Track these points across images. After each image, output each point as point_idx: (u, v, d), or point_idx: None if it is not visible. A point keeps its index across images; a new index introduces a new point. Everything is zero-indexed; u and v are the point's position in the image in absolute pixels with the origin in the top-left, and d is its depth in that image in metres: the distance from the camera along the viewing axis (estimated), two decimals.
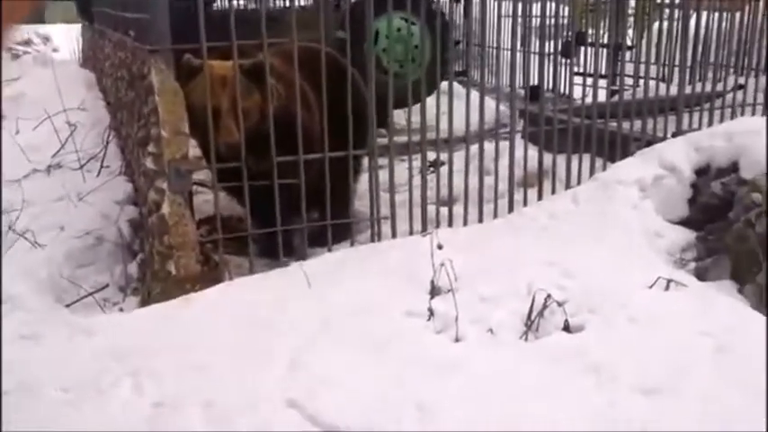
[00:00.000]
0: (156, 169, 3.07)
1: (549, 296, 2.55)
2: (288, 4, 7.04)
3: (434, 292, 2.70)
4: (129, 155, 4.30)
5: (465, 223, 3.61)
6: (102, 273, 3.56)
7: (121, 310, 3.34)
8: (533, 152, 3.86)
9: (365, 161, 3.75)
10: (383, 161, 3.50)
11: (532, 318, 2.52)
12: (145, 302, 3.29)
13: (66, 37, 12.03)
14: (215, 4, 7.78)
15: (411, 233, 3.47)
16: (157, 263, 3.14)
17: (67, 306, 3.27)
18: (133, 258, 3.66)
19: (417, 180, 3.67)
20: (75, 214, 3.81)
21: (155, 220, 3.15)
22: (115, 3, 4.76)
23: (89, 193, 4.02)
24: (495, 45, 3.81)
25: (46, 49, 12.08)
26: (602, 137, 3.95)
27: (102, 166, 4.49)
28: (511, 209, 3.71)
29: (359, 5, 3.47)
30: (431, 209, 3.59)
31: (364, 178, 3.72)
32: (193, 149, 3.28)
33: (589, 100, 4.10)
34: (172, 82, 3.01)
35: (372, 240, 3.50)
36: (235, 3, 3.44)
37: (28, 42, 11.86)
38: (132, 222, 3.82)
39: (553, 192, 3.81)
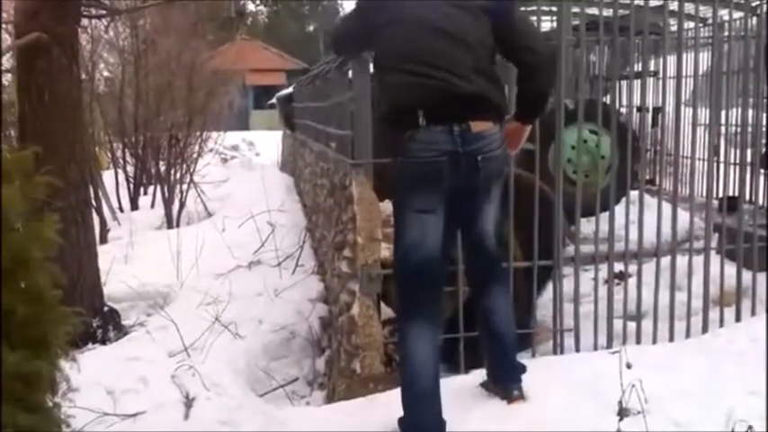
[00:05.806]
0: (349, 272, 3.27)
1: (750, 428, 2.37)
2: None
3: (623, 413, 2.59)
4: (322, 256, 4.60)
5: (654, 341, 3.45)
6: (292, 366, 3.79)
7: (308, 403, 3.51)
8: (730, 269, 3.65)
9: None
10: (568, 271, 3.48)
11: None
12: (330, 398, 3.44)
13: (267, 143, 13.23)
14: None
15: (596, 347, 3.38)
16: (344, 360, 3.30)
17: (260, 396, 3.49)
18: (321, 354, 3.86)
19: (603, 292, 3.59)
20: (273, 309, 4.11)
21: (344, 320, 3.33)
22: (319, 117, 5.22)
23: (285, 290, 4.33)
24: (688, 155, 3.72)
25: (250, 154, 13.31)
26: None
27: (297, 265, 4.83)
28: (705, 329, 3.50)
29: (549, 117, 3.55)
30: (617, 323, 3.47)
31: (548, 288, 3.70)
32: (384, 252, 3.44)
33: None
34: (370, 192, 3.24)
35: (554, 352, 3.44)
36: None
37: (235, 147, 13.10)
38: (322, 320, 4.05)
39: (753, 313, 3.56)
